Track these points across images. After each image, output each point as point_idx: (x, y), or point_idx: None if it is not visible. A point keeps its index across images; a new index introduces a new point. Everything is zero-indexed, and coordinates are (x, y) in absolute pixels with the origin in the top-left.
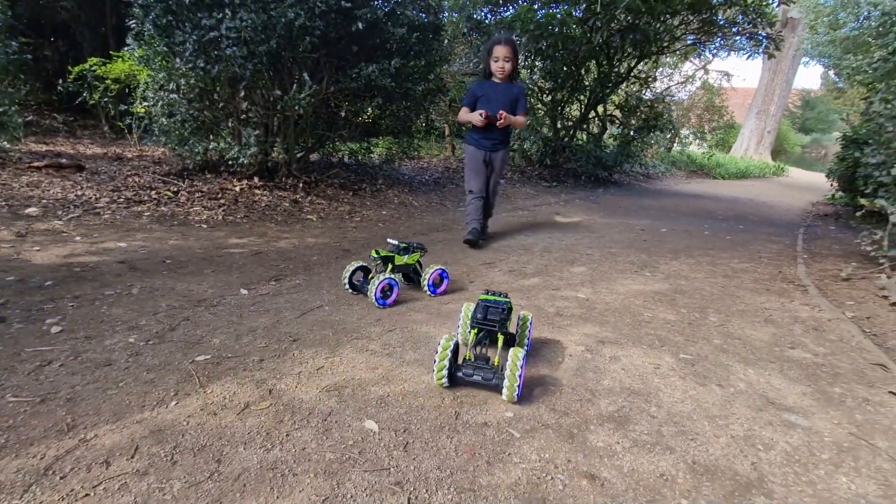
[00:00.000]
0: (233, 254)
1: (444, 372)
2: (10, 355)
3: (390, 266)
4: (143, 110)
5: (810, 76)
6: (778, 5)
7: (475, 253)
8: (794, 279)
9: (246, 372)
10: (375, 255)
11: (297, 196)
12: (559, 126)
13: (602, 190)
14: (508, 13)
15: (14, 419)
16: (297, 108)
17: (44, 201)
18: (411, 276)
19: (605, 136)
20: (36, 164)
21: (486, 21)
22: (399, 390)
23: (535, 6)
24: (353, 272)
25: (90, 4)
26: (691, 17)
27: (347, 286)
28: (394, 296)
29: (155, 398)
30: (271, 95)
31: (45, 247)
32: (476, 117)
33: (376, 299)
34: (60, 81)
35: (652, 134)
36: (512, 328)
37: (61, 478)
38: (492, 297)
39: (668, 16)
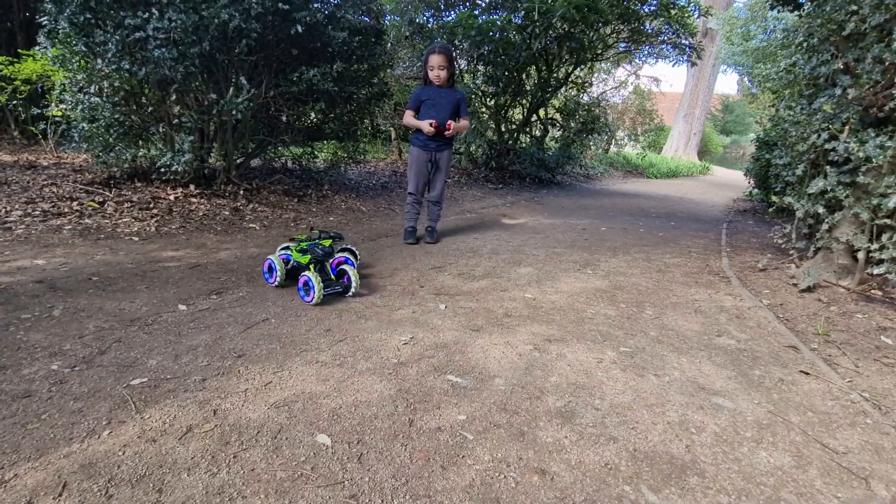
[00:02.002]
0: (168, 267)
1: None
2: None
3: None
4: (59, 114)
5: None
6: (699, 17)
7: (424, 257)
8: (719, 271)
9: (187, 393)
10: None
11: (238, 204)
12: (503, 129)
13: (546, 191)
14: (450, 17)
15: None
16: (234, 112)
17: None
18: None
19: (547, 138)
20: None
21: (429, 25)
22: (351, 401)
23: (476, 12)
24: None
25: None
26: (622, 27)
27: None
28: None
29: (84, 429)
30: (206, 99)
31: None
32: (425, 126)
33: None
34: None
35: (590, 136)
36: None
37: None
38: (310, 241)
39: (600, 25)
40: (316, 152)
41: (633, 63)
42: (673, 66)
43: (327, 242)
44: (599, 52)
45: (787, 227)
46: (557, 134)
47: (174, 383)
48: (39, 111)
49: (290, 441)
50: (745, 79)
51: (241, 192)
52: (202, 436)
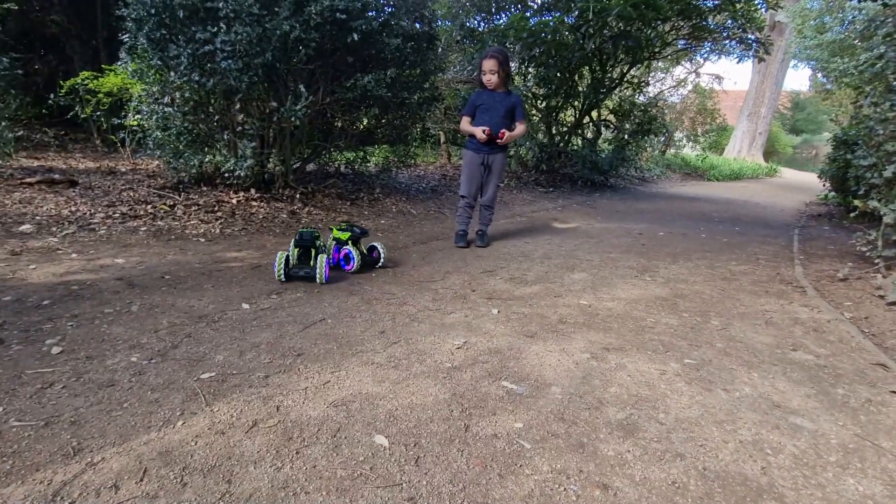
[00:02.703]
0: (232, 267)
1: (282, 271)
2: (10, 378)
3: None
4: (136, 123)
5: (799, 78)
6: (766, 10)
7: (476, 261)
8: (791, 280)
9: (252, 389)
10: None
11: (295, 207)
12: (554, 132)
13: (598, 194)
14: (501, 21)
15: (18, 444)
16: (293, 119)
17: (37, 218)
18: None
19: (600, 140)
20: (28, 179)
21: (480, 29)
22: (407, 403)
23: (528, 14)
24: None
25: (81, 18)
26: (682, 23)
27: (282, 278)
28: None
29: (161, 418)
30: (267, 107)
31: (41, 265)
32: (479, 133)
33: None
34: (52, 96)
35: (646, 138)
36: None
37: (70, 503)
38: (308, 230)
39: (659, 22)
40: (368, 156)
41: (694, 61)
42: (738, 62)
43: (346, 235)
44: (657, 50)
45: (873, 234)
46: (611, 136)
47: (240, 378)
48: (118, 121)
49: (348, 440)
50: (819, 74)
51: (298, 195)
52: (267, 430)
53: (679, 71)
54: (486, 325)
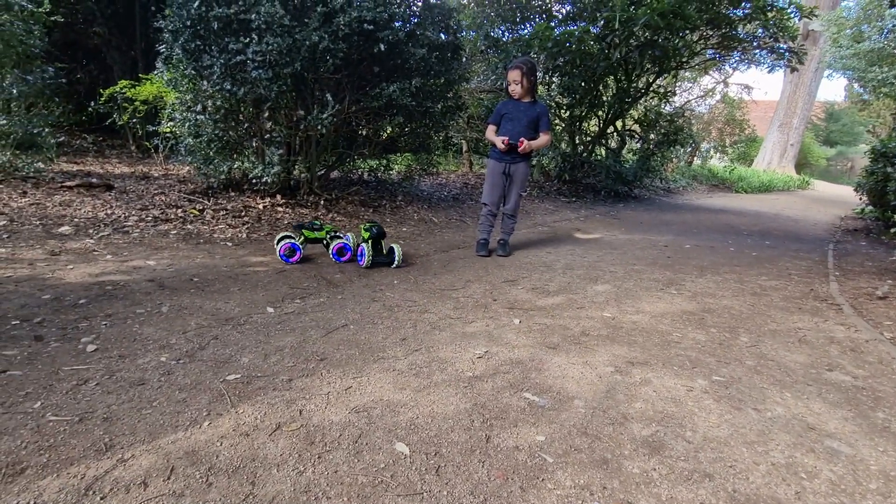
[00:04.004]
0: (258, 272)
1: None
2: (48, 374)
3: (301, 234)
4: (169, 130)
5: (834, 88)
6: (800, 19)
7: (497, 270)
8: (826, 297)
9: (276, 392)
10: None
11: (319, 213)
12: (578, 141)
13: (622, 205)
14: (526, 31)
15: (55, 438)
16: (319, 127)
17: (75, 220)
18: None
19: (625, 150)
20: (68, 183)
21: (504, 39)
22: (428, 412)
23: (553, 24)
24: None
25: (121, 30)
26: (710, 32)
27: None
28: (296, 256)
29: (188, 418)
30: (295, 115)
31: (78, 265)
32: (499, 142)
33: (281, 256)
34: (92, 103)
35: (672, 148)
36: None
37: (101, 498)
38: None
39: (686, 31)
40: (391, 164)
41: (722, 70)
42: (769, 72)
43: (367, 234)
44: (685, 59)
45: None
46: (636, 146)
47: (264, 381)
48: (153, 128)
49: (370, 447)
50: (855, 84)
51: (322, 202)
52: (289, 434)
53: (707, 80)
54: (508, 335)
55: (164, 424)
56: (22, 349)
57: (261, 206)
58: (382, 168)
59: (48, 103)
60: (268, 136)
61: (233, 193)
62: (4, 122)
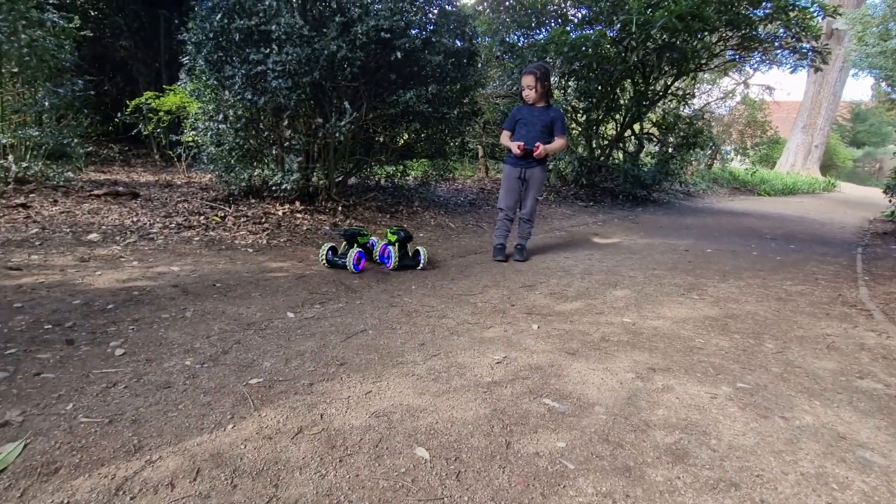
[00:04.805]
0: (278, 277)
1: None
2: (79, 377)
3: (356, 243)
4: (191, 139)
5: (860, 88)
6: (823, 18)
7: (514, 275)
8: (856, 303)
9: (297, 396)
10: (343, 233)
11: (337, 219)
12: (594, 145)
13: (641, 209)
14: (541, 36)
15: (86, 439)
16: (337, 134)
17: (103, 227)
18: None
19: (643, 154)
20: (96, 192)
21: (520, 44)
22: (447, 417)
23: (568, 28)
24: (327, 250)
25: (146, 43)
26: (730, 34)
27: (324, 262)
28: (363, 262)
29: (213, 421)
30: (313, 123)
31: (106, 271)
32: (514, 147)
33: (353, 266)
34: (118, 114)
35: (691, 151)
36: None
37: (131, 498)
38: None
39: (705, 33)
40: (407, 170)
41: (743, 71)
42: (791, 72)
43: (394, 238)
44: (703, 61)
45: None
46: (654, 149)
47: (286, 385)
48: (176, 137)
49: (390, 451)
50: (883, 83)
51: (340, 208)
52: (311, 438)
53: (727, 82)
54: (526, 340)
55: (190, 427)
56: (54, 352)
57: (280, 213)
58: (399, 174)
59: (77, 115)
60: (287, 143)
61: (253, 200)
62: (37, 133)
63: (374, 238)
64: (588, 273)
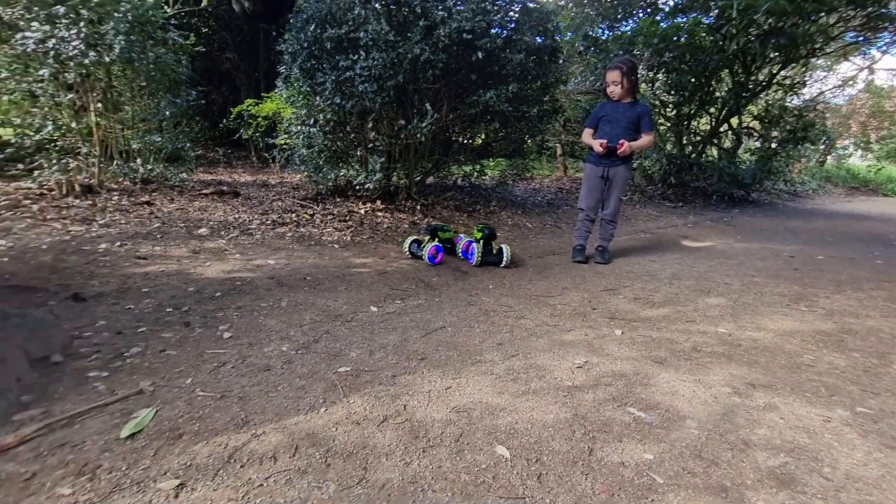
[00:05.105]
0: (361, 273)
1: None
2: (195, 355)
3: (436, 237)
4: (284, 142)
5: None
6: None
7: (595, 278)
8: None
9: (381, 386)
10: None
11: (416, 218)
12: (685, 141)
13: (737, 210)
14: (627, 28)
15: (202, 411)
16: (418, 135)
17: (210, 223)
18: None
19: (741, 150)
20: (204, 191)
21: (604, 37)
22: (527, 418)
23: (658, 18)
24: (411, 243)
25: (248, 56)
26: (852, 13)
27: (408, 253)
28: (440, 256)
29: (307, 403)
30: (396, 125)
31: (214, 263)
32: (596, 145)
33: (428, 258)
34: (223, 121)
35: (799, 146)
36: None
37: (241, 466)
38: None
39: (821, 14)
40: (485, 170)
41: (867, 55)
42: None
43: (479, 235)
44: (818, 46)
45: None
46: (754, 145)
47: (370, 375)
48: (271, 141)
49: (471, 446)
50: None
51: (419, 207)
52: (395, 427)
53: (846, 68)
54: (609, 346)
55: (288, 407)
56: (175, 333)
57: (362, 211)
58: (476, 173)
59: (189, 122)
60: (371, 145)
61: (339, 199)
62: (159, 139)
63: (460, 234)
64: (676, 278)
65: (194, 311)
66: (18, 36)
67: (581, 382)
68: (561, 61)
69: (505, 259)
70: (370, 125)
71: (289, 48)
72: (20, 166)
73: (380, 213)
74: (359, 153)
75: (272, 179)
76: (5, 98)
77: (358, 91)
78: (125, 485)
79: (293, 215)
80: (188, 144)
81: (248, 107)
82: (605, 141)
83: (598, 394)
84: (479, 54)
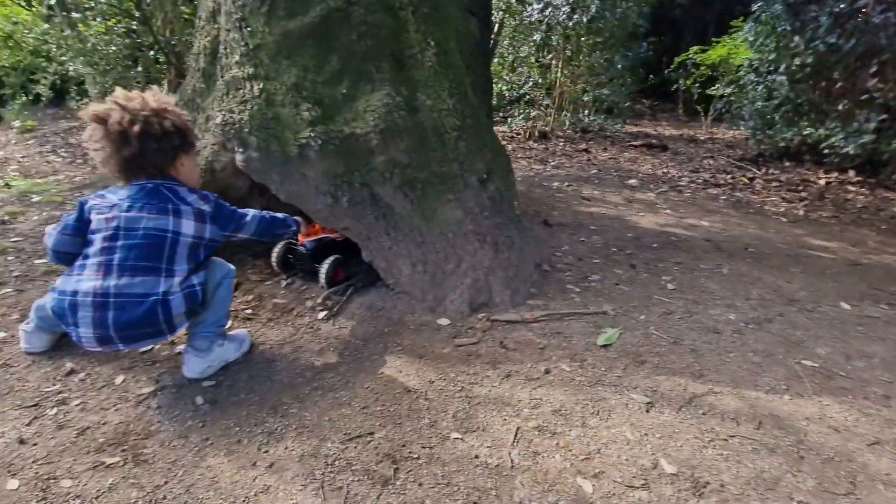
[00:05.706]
0: (821, 257)
1: None
2: (643, 297)
3: None
4: (722, 94)
5: None
6: None
7: None
8: None
9: (867, 402)
10: None
11: None
12: None
13: None
14: None
15: (659, 348)
16: None
17: (640, 175)
18: None
19: None
20: (633, 143)
21: None
22: None
23: None
24: None
25: (701, 0)
26: None
27: None
28: None
29: (766, 383)
30: None
31: (646, 214)
32: None
33: None
34: (657, 73)
35: None
36: None
37: (702, 413)
38: None
39: None
40: None
41: None
42: None
43: None
44: None
45: None
46: None
47: (849, 384)
48: (710, 91)
49: None
50: None
51: None
52: (893, 455)
53: None
54: None
55: (744, 378)
56: (624, 271)
57: (822, 182)
58: None
59: (633, 74)
60: (865, 97)
61: (788, 164)
62: (607, 91)
63: None
64: None
65: (637, 257)
66: (529, 9)
67: None
68: None
69: None
70: (872, 70)
71: None
72: (501, 114)
73: (851, 187)
74: (840, 107)
75: (700, 134)
76: (509, 58)
77: (871, 25)
78: (606, 381)
79: (728, 177)
80: (624, 97)
81: (693, 54)
82: None
83: None
84: None
